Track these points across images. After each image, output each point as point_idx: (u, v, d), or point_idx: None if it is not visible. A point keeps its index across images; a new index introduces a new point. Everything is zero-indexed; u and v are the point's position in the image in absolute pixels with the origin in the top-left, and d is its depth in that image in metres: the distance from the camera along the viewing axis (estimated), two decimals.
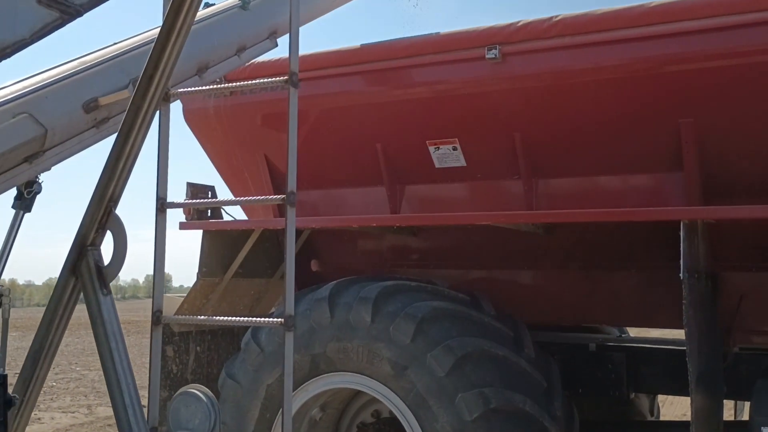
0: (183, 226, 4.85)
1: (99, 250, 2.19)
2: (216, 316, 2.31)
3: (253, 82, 2.28)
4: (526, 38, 4.05)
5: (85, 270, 2.11)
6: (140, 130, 2.04)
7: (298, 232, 5.02)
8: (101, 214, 2.12)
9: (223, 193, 5.48)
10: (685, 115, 3.84)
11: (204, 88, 2.47)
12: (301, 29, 2.36)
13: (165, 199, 2.31)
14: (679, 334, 4.77)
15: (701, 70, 3.72)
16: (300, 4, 2.30)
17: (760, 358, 4.19)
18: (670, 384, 4.47)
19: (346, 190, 5.01)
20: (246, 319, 2.12)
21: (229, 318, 2.14)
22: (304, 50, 4.73)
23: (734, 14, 3.58)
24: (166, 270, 2.30)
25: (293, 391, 2.19)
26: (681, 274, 3.48)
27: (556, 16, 3.98)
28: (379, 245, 5.23)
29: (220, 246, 4.91)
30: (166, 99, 2.28)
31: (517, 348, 4.05)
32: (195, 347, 4.91)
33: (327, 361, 4.09)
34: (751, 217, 3.55)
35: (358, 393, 4.47)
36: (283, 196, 2.16)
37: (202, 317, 2.21)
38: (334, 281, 4.29)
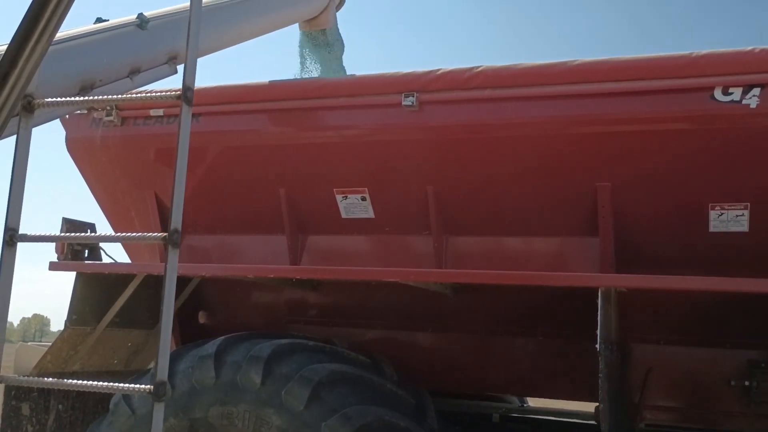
0: (53, 266, 4.31)
1: None
2: (81, 375, 1.87)
3: (140, 95, 1.91)
4: (446, 87, 3.87)
5: None
6: None
7: (187, 280, 4.58)
8: None
9: (106, 233, 4.97)
10: (602, 178, 3.72)
11: (79, 99, 2.08)
12: (203, 60, 2.01)
13: (16, 230, 1.87)
14: (575, 405, 4.68)
15: (621, 133, 3.63)
16: (201, 24, 1.97)
17: None
18: None
19: (244, 236, 4.64)
20: (107, 384, 1.70)
21: (86, 382, 1.72)
22: (205, 82, 4.40)
23: (658, 79, 3.52)
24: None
25: None
26: (597, 345, 3.29)
27: (478, 67, 3.82)
28: (275, 299, 4.86)
29: (95, 291, 4.38)
30: (29, 109, 1.88)
31: (420, 417, 3.74)
32: (57, 405, 4.31)
33: (208, 427, 3.63)
34: (671, 287, 3.42)
35: None
36: (165, 234, 1.78)
37: (51, 380, 1.78)
38: (223, 337, 3.86)
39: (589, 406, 4.41)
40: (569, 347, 4.26)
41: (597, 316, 3.34)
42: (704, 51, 3.49)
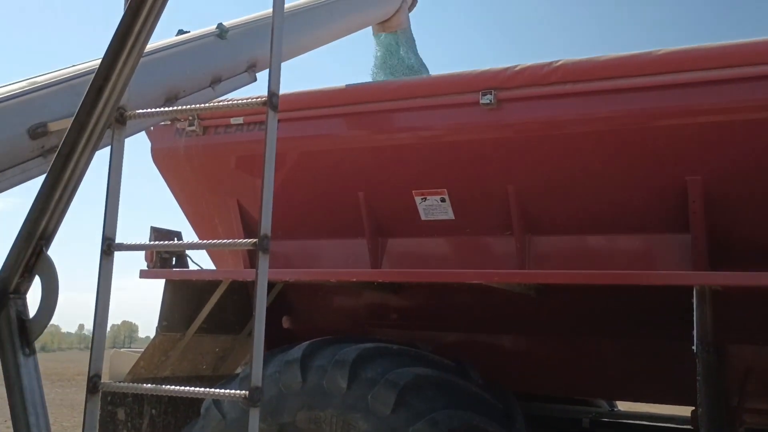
0: (144, 274, 4.43)
1: (24, 299, 1.79)
2: (172, 380, 1.90)
3: (225, 103, 1.93)
4: (524, 84, 3.78)
5: (4, 323, 1.70)
6: (83, 153, 1.66)
7: (270, 286, 4.64)
8: (29, 254, 1.73)
9: (191, 239, 5.09)
10: (693, 172, 3.57)
11: (167, 109, 2.13)
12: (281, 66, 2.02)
13: (113, 239, 1.92)
14: (666, 409, 4.52)
15: (711, 123, 3.48)
16: (284, 27, 1.97)
17: None
18: None
19: (324, 241, 4.66)
20: (202, 390, 1.72)
21: (182, 388, 1.74)
22: (283, 89, 4.45)
23: (748, 65, 3.35)
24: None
25: None
26: (694, 347, 3.15)
27: (557, 62, 3.73)
28: (357, 302, 4.86)
29: (184, 298, 4.48)
30: (121, 121, 1.92)
31: (508, 423, 3.66)
32: (150, 410, 4.43)
33: (296, 431, 3.65)
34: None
35: None
36: (255, 240, 1.79)
37: (149, 386, 1.81)
38: (308, 341, 3.88)
39: (682, 410, 4.26)
40: (660, 349, 4.11)
41: (690, 316, 3.20)
42: None
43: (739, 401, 3.86)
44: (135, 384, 1.83)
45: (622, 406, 5.48)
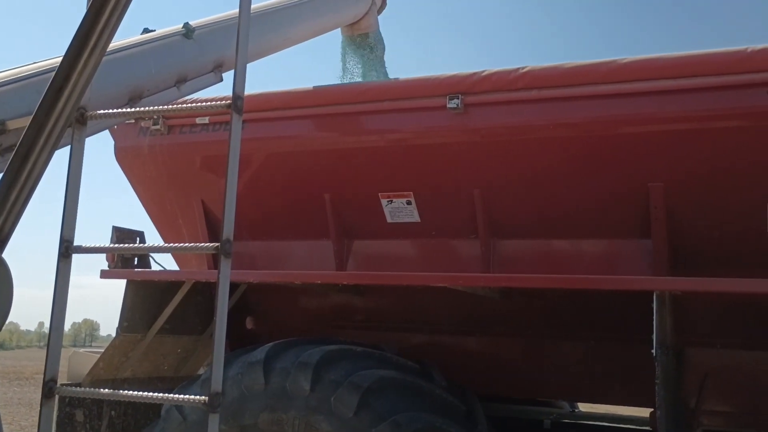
0: (104, 274, 4.37)
1: None
2: (133, 381, 1.86)
3: (188, 105, 1.91)
4: (491, 89, 3.81)
5: None
6: (41, 154, 1.63)
7: (234, 287, 4.60)
8: None
9: (154, 240, 5.03)
10: (655, 179, 3.63)
11: (130, 110, 2.09)
12: (248, 67, 2.00)
13: (71, 242, 1.89)
14: (626, 410, 4.58)
15: (673, 131, 3.53)
16: (250, 28, 1.96)
17: None
18: None
19: (289, 242, 4.64)
20: (162, 395, 1.71)
21: (141, 393, 1.72)
22: (249, 89, 4.42)
23: (711, 75, 3.41)
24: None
25: None
26: (654, 350, 3.20)
27: (524, 68, 3.76)
28: (321, 304, 4.84)
29: (146, 298, 4.42)
30: (81, 121, 1.89)
31: (471, 424, 3.68)
32: (109, 411, 4.36)
33: None
34: (727, 290, 3.31)
35: None
36: (217, 244, 1.78)
37: (106, 390, 1.79)
38: (271, 343, 3.86)
39: (642, 412, 4.32)
40: (621, 351, 4.17)
41: (649, 320, 3.25)
42: (760, 46, 3.37)
43: (697, 403, 3.93)
44: (92, 389, 1.80)
45: (583, 407, 5.54)
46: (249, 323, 4.93)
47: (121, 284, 4.41)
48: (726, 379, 3.98)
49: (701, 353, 3.95)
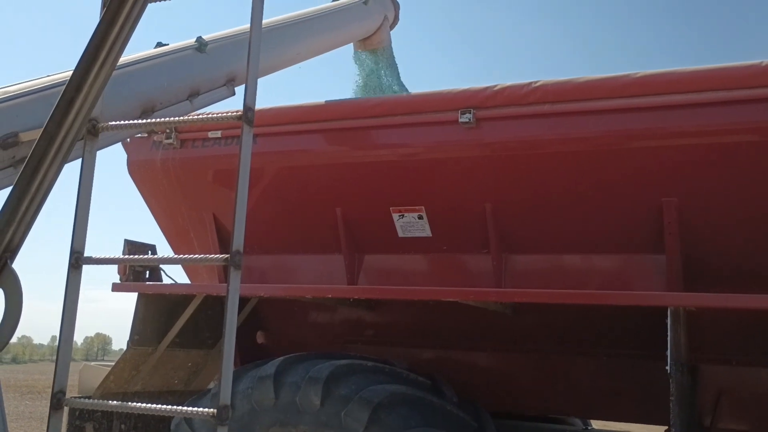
0: (116, 287, 4.38)
1: None
2: (143, 395, 1.86)
3: (200, 117, 1.91)
4: (503, 103, 3.80)
5: None
6: (52, 165, 1.64)
7: (245, 301, 4.60)
8: None
9: (166, 254, 5.04)
10: (668, 194, 3.60)
11: (141, 122, 2.10)
12: (259, 82, 2.00)
13: (81, 253, 1.89)
14: (640, 428, 4.52)
15: (687, 146, 3.51)
16: (261, 43, 1.96)
17: None
18: None
19: (300, 256, 4.63)
20: (170, 408, 1.69)
21: (150, 405, 1.71)
22: (261, 104, 4.44)
23: (724, 89, 3.39)
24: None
25: None
26: (668, 367, 3.15)
27: (536, 82, 3.75)
28: (332, 319, 4.83)
29: (157, 312, 4.42)
30: (93, 132, 1.90)
31: None
32: (119, 425, 4.35)
33: None
34: (743, 306, 3.27)
35: None
36: (227, 255, 1.77)
37: (115, 403, 1.78)
38: (281, 357, 3.84)
39: (656, 429, 4.26)
40: (633, 368, 4.12)
41: (663, 336, 3.21)
42: None
43: (713, 421, 3.88)
44: (100, 401, 1.79)
45: (596, 424, 5.48)
46: (260, 338, 4.93)
47: (133, 298, 4.42)
48: (742, 396, 3.92)
49: (716, 370, 3.91)
